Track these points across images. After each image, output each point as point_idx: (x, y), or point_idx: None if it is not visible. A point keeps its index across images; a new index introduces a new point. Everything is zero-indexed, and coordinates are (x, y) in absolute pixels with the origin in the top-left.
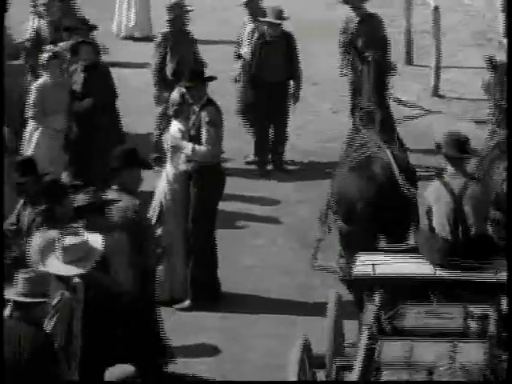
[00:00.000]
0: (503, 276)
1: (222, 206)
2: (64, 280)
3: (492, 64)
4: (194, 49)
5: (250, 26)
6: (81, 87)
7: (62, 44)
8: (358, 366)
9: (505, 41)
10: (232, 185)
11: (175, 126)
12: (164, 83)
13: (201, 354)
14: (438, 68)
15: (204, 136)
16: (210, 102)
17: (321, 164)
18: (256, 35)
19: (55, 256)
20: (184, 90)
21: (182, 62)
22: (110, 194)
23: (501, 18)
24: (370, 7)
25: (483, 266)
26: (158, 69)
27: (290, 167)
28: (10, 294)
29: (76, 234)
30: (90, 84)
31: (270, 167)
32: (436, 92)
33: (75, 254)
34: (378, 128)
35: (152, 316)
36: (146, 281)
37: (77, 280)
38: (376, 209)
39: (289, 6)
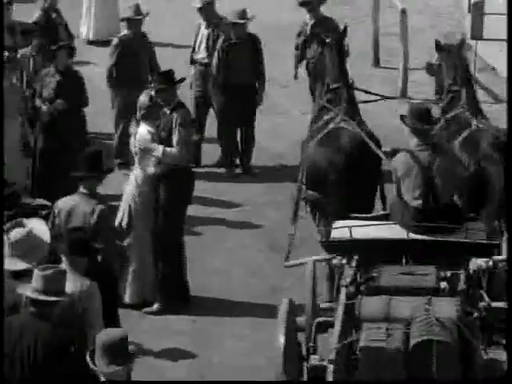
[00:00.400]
0: (472, 238)
1: (191, 208)
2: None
3: (438, 46)
4: (151, 53)
5: (205, 31)
6: (53, 91)
7: (26, 49)
8: (338, 323)
9: (472, 41)
10: (200, 188)
11: (144, 129)
12: (118, 87)
13: (172, 357)
14: (405, 70)
15: (175, 138)
16: (181, 105)
17: (289, 167)
18: (221, 39)
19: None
20: (152, 92)
21: (137, 66)
22: (73, 199)
23: (468, 19)
24: (336, 9)
25: (453, 228)
26: (110, 72)
27: (258, 170)
28: (27, 289)
29: (20, 225)
30: (62, 88)
31: (238, 170)
32: (404, 94)
33: (21, 248)
34: (345, 105)
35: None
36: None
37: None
38: (344, 178)
39: (258, 8)
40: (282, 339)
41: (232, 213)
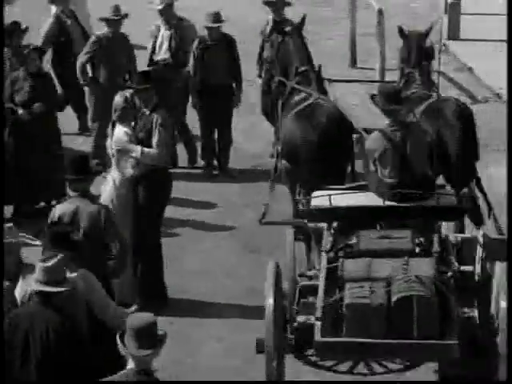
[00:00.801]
0: (445, 203)
1: (168, 209)
2: None
3: (401, 33)
4: (131, 55)
5: (166, 33)
6: (27, 95)
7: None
8: (321, 284)
9: (448, 42)
10: (177, 188)
11: (120, 131)
12: (93, 86)
13: None
14: (382, 70)
15: (155, 138)
16: (160, 105)
17: (266, 167)
18: (196, 41)
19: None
20: (127, 93)
21: (114, 66)
22: (72, 202)
23: (445, 21)
24: (314, 9)
25: (425, 195)
26: (82, 70)
27: (235, 171)
28: (31, 282)
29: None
30: (36, 91)
31: (215, 172)
32: None
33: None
34: (315, 85)
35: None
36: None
37: None
38: (321, 154)
39: (234, 9)
40: (270, 300)
41: (209, 213)
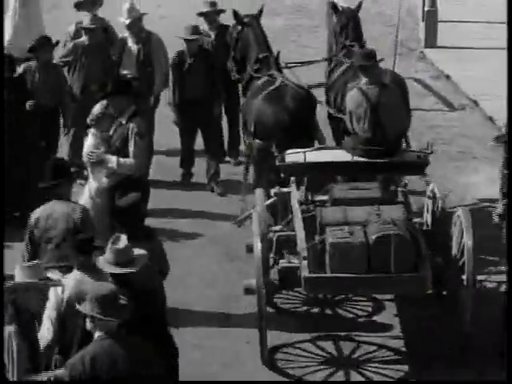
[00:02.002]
0: (407, 158)
1: (146, 218)
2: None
3: (334, 8)
4: (108, 63)
5: (135, 46)
6: (36, 86)
7: None
8: (300, 230)
9: (425, 49)
10: (157, 197)
11: (95, 140)
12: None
13: None
14: None
15: (132, 148)
16: (137, 114)
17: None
18: (174, 55)
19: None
20: (105, 102)
21: (90, 74)
22: (50, 206)
23: (422, 28)
24: (291, 18)
25: (392, 152)
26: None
27: (221, 188)
28: (105, 264)
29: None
30: (47, 82)
31: (192, 180)
32: None
33: None
34: (275, 70)
35: None
36: None
37: None
38: (289, 133)
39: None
40: (259, 245)
41: (188, 222)
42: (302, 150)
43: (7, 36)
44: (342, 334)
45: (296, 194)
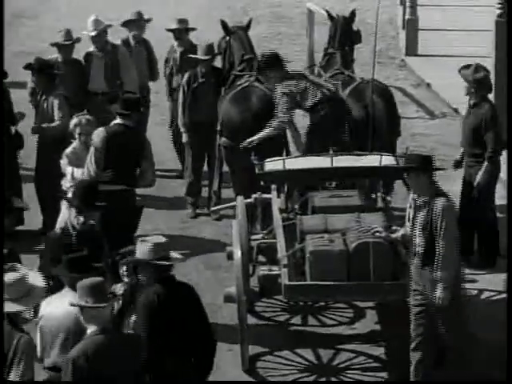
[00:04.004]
0: (386, 162)
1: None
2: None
3: (329, 16)
4: (82, 79)
5: (100, 61)
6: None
7: None
8: (281, 239)
9: (405, 58)
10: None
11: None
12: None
13: None
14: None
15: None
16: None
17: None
18: (186, 76)
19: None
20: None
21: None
22: None
23: (402, 36)
24: (271, 26)
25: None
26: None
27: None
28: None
29: (14, 270)
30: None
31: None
32: None
33: (17, 291)
34: (255, 71)
35: None
36: None
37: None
38: (253, 131)
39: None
40: (239, 253)
41: (168, 231)
42: (281, 157)
43: None
44: (323, 341)
45: (276, 202)
